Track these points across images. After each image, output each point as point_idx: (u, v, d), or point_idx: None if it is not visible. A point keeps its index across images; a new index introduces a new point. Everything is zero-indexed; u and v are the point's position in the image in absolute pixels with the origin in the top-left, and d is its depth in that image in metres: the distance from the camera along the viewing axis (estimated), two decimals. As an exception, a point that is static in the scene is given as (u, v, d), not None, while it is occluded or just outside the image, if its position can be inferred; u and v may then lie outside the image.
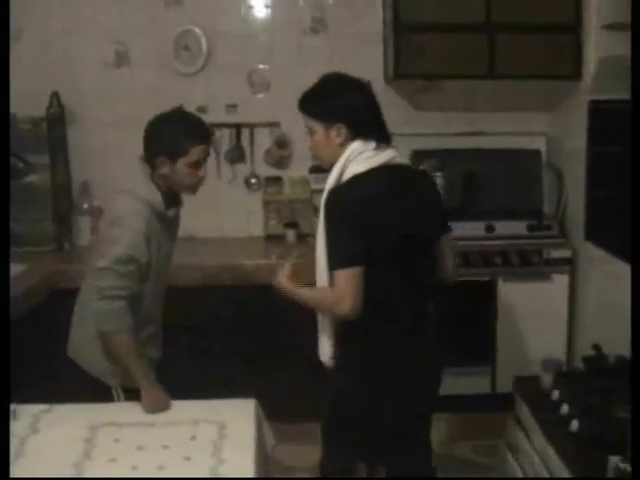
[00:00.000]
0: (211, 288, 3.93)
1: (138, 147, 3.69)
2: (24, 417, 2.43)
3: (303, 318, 2.82)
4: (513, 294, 4.11)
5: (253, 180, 4.54)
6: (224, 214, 4.57)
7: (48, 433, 2.36)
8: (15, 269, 3.74)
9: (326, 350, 2.74)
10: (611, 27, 3.65)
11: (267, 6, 4.41)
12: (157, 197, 2.72)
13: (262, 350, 3.98)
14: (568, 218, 4.29)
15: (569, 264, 4.11)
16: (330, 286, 2.58)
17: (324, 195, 2.61)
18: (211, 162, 4.42)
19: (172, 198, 2.81)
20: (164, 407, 2.58)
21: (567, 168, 4.33)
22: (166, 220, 2.78)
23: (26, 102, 4.16)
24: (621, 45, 3.65)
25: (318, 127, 2.65)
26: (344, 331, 2.69)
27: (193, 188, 2.78)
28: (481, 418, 4.16)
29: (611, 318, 3.71)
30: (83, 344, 2.82)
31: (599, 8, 3.75)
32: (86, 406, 2.54)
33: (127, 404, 2.63)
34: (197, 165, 2.71)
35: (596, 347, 3.29)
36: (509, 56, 3.96)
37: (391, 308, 2.64)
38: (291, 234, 4.41)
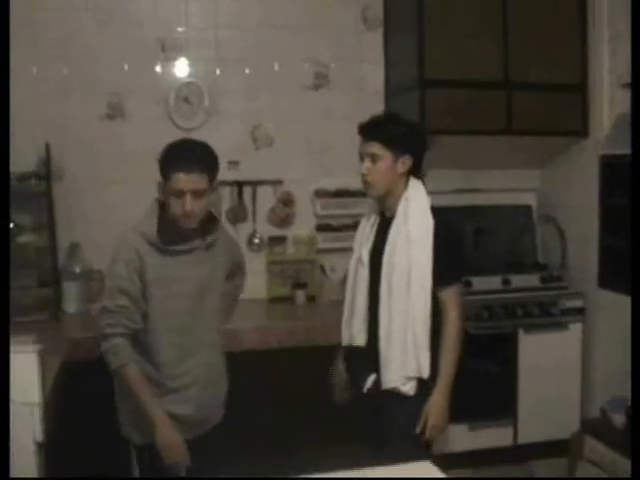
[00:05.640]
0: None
1: (132, 206, 3.46)
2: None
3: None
4: (533, 345, 4.16)
5: (256, 240, 4.33)
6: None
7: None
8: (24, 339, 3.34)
9: (426, 361, 2.78)
10: (627, 86, 3.88)
11: (270, 61, 4.30)
12: (152, 229, 2.61)
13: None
14: (572, 268, 4.43)
15: (581, 313, 4.23)
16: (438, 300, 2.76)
17: (423, 219, 2.77)
18: (211, 222, 4.25)
19: (186, 233, 2.67)
20: (178, 447, 2.58)
21: (566, 221, 4.49)
22: (174, 254, 2.63)
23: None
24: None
25: (386, 154, 2.79)
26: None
27: (182, 220, 2.60)
28: (506, 471, 4.16)
29: (624, 359, 3.86)
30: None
31: (612, 68, 4.00)
32: None
33: None
34: (179, 195, 2.54)
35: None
36: (524, 113, 4.10)
37: None
38: (300, 295, 4.22)
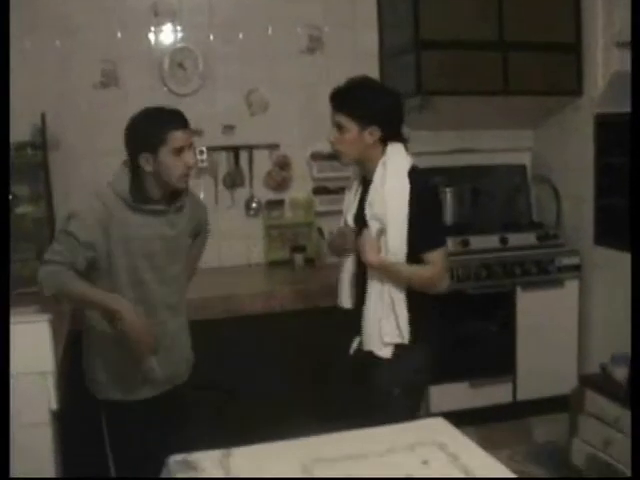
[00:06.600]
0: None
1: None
2: (209, 465, 2.11)
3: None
4: (530, 302, 4.23)
5: (254, 204, 4.35)
6: (223, 241, 4.29)
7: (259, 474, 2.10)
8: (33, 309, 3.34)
9: (404, 327, 2.75)
10: (622, 45, 3.89)
11: (264, 25, 4.28)
12: (123, 186, 2.66)
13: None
14: (567, 226, 4.48)
15: (578, 270, 4.30)
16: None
17: (399, 182, 2.70)
18: (209, 187, 4.28)
19: (162, 195, 2.71)
20: (147, 331, 2.58)
21: (561, 180, 4.53)
22: (145, 212, 2.67)
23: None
24: (626, 62, 3.92)
25: (352, 126, 2.74)
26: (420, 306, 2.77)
27: (182, 178, 2.68)
28: (506, 427, 4.25)
29: (619, 315, 3.93)
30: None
31: (607, 27, 4.01)
32: (271, 446, 2.26)
33: (307, 441, 2.33)
34: (180, 152, 2.63)
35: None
36: (519, 73, 4.12)
37: None
38: (299, 258, 4.26)
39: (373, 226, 2.73)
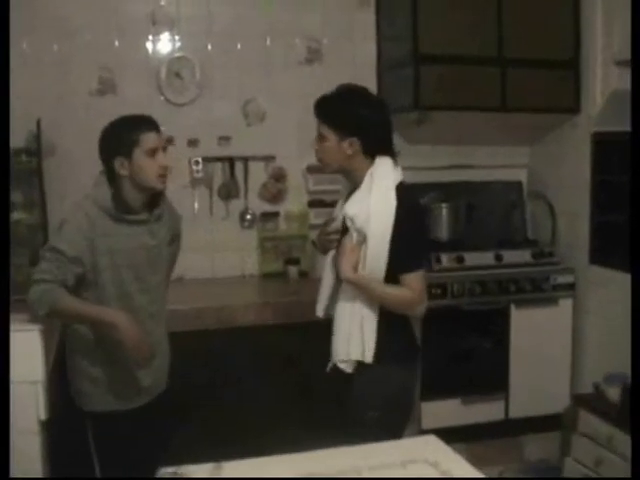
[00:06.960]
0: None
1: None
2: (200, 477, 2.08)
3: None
4: (524, 320, 4.20)
5: (248, 216, 4.33)
6: (216, 253, 4.32)
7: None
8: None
9: (370, 346, 2.69)
10: (621, 63, 3.89)
11: (262, 36, 4.27)
12: (105, 197, 2.69)
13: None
14: (562, 244, 4.47)
15: (572, 288, 4.28)
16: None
17: (388, 197, 2.63)
18: (203, 198, 4.27)
19: (141, 202, 2.75)
20: (143, 338, 2.58)
21: (556, 197, 4.53)
22: (128, 223, 2.71)
23: None
24: (625, 80, 3.93)
25: (331, 136, 2.72)
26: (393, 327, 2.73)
27: (159, 179, 2.72)
28: (498, 445, 4.22)
29: (614, 334, 3.94)
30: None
31: (606, 44, 4.01)
32: (262, 460, 2.19)
33: (299, 456, 2.27)
34: (154, 153, 2.69)
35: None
36: (518, 90, 4.11)
37: None
38: (293, 271, 4.25)
39: (354, 237, 2.67)
